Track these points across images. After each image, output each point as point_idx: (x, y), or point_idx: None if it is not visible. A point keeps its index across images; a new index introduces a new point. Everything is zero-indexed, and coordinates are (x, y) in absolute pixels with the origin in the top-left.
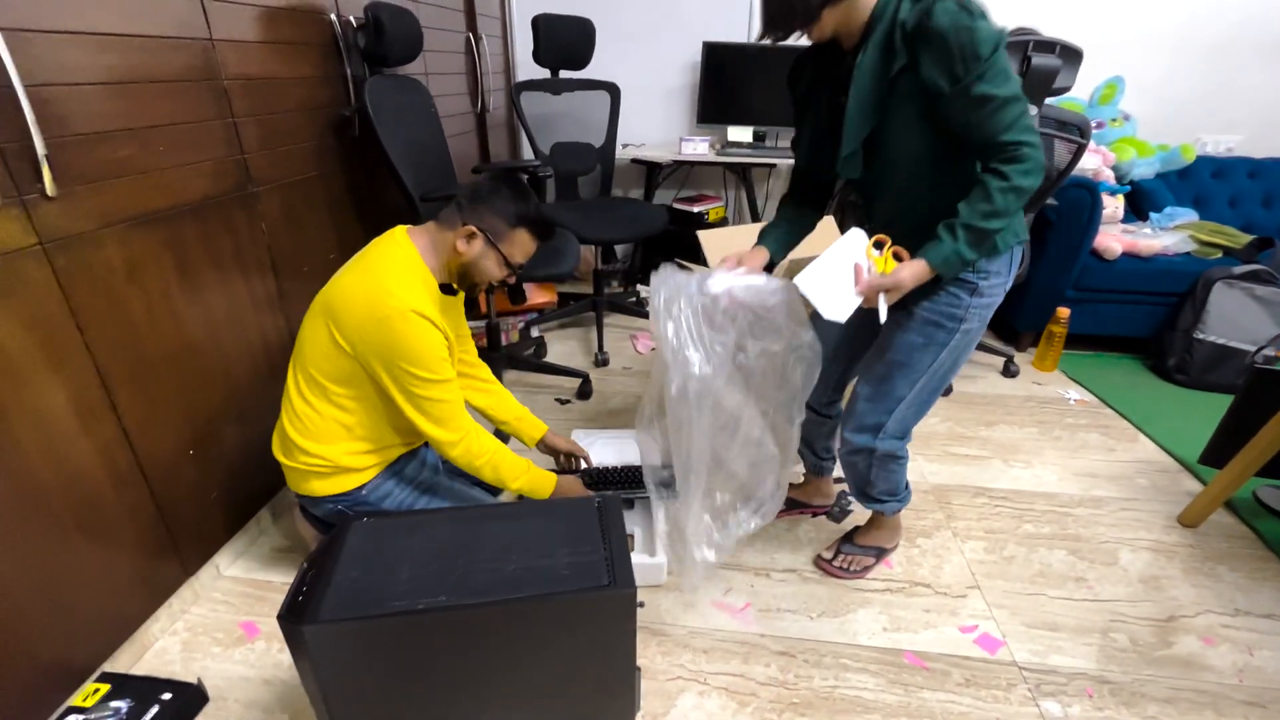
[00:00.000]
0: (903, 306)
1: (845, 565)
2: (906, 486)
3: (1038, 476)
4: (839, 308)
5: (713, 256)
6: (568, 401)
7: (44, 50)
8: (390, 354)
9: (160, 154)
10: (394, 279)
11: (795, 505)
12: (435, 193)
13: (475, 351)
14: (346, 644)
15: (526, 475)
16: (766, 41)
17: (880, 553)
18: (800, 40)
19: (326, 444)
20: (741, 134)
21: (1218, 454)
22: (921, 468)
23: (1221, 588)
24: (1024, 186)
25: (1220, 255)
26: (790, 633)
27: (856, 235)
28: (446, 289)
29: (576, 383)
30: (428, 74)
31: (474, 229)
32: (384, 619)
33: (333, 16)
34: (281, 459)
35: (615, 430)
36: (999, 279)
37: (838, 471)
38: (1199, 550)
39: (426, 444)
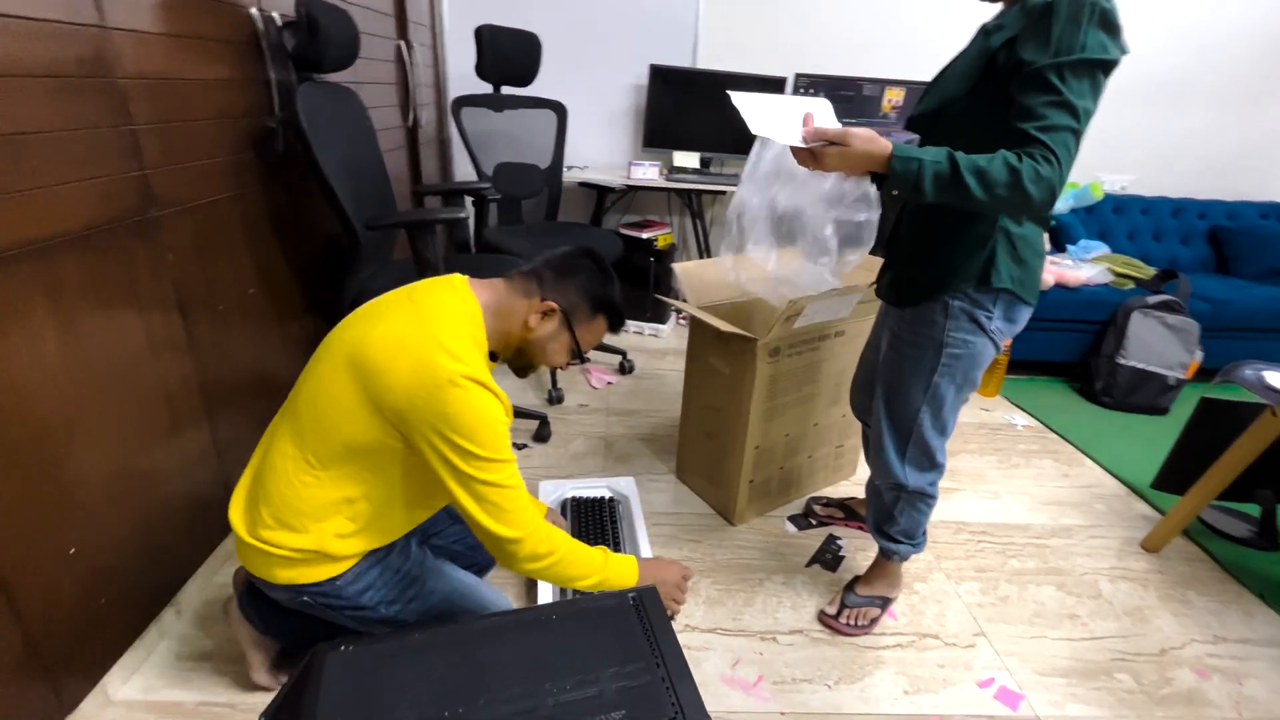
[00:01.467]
0: (895, 333)
1: (851, 620)
2: (924, 534)
3: (1008, 508)
4: (773, 131)
5: (691, 291)
6: (524, 446)
7: None
8: (445, 426)
9: (33, 170)
10: (452, 337)
11: (854, 517)
12: (379, 220)
13: None
14: None
15: (604, 569)
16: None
17: (885, 603)
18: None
19: (314, 522)
20: (688, 159)
21: (1171, 479)
22: None
23: (1197, 614)
24: (1025, 184)
25: (1133, 286)
26: (812, 707)
27: (823, 103)
28: (490, 356)
29: (533, 425)
30: (357, 82)
31: (554, 306)
32: None
33: (253, 11)
34: (243, 534)
35: (585, 479)
36: (980, 312)
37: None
38: (1167, 576)
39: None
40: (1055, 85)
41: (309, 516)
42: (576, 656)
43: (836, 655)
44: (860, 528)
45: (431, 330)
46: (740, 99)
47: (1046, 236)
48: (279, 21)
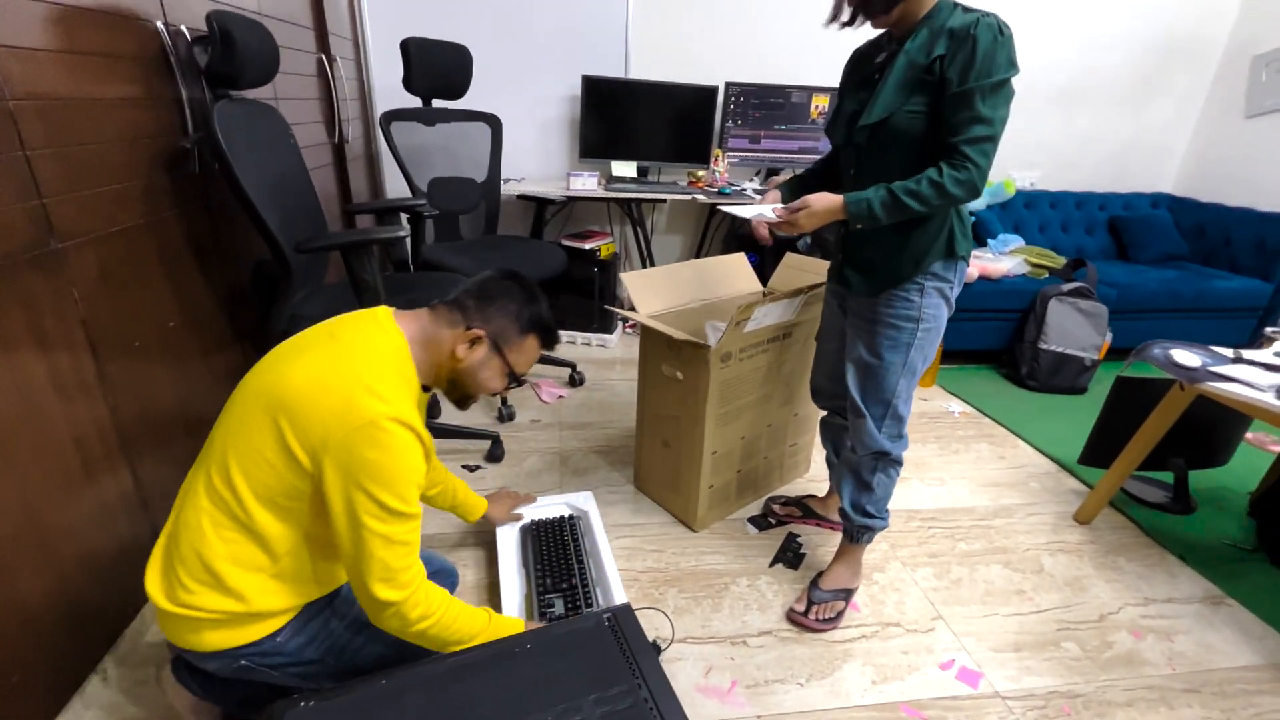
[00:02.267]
0: (870, 315)
1: (820, 615)
2: (888, 509)
3: (953, 493)
4: (758, 212)
5: (640, 300)
6: (477, 468)
7: None
8: (361, 472)
9: None
10: (378, 375)
11: (812, 515)
12: (311, 242)
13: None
14: None
15: (484, 634)
16: (833, 27)
17: (848, 594)
18: (843, 30)
19: (239, 579)
20: (625, 169)
21: (1096, 454)
22: None
23: (1128, 579)
24: (949, 190)
25: (1047, 275)
26: (786, 707)
27: (773, 198)
28: (424, 388)
29: (485, 445)
30: (277, 99)
31: (480, 333)
32: None
33: (159, 25)
34: (162, 602)
35: (543, 497)
36: (945, 284)
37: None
38: (1099, 545)
39: None
40: (976, 104)
41: (232, 575)
42: (556, 685)
43: (805, 653)
44: (818, 524)
45: (355, 369)
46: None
47: None
48: (189, 36)
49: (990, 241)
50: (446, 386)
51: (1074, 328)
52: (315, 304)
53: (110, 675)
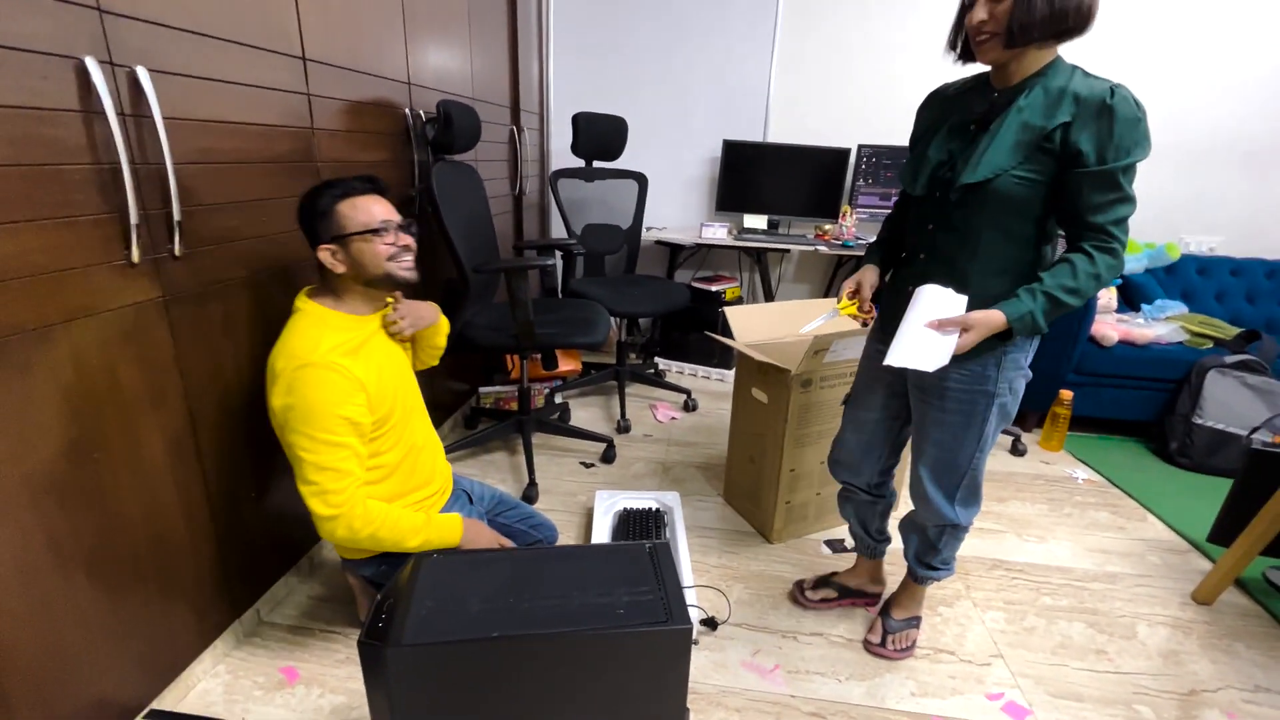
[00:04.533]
0: (938, 391)
1: (897, 645)
2: (954, 560)
3: (1051, 551)
4: (934, 359)
5: (739, 331)
6: (592, 465)
7: (190, 135)
8: (287, 416)
9: (263, 224)
10: (294, 340)
11: (849, 594)
12: (486, 265)
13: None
14: (423, 667)
15: (426, 529)
16: (950, 58)
17: (919, 622)
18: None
19: None
20: (756, 221)
21: (1224, 532)
22: None
23: (1240, 664)
24: (1103, 277)
25: (1211, 345)
26: (820, 694)
27: (928, 292)
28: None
29: (601, 447)
30: (477, 160)
31: (324, 248)
32: (459, 645)
33: (407, 110)
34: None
35: (637, 492)
36: (1020, 353)
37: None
38: (1215, 627)
39: (468, 490)
40: (1120, 184)
41: None
42: (599, 579)
43: (851, 657)
44: (853, 603)
45: (278, 347)
46: (898, 359)
47: (1116, 294)
48: (424, 117)
49: (1145, 306)
50: (369, 288)
51: (1239, 404)
52: (484, 315)
53: (315, 562)
